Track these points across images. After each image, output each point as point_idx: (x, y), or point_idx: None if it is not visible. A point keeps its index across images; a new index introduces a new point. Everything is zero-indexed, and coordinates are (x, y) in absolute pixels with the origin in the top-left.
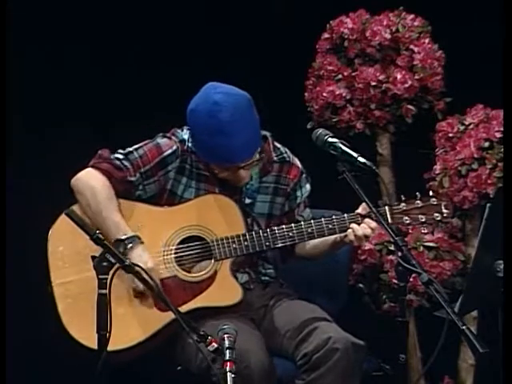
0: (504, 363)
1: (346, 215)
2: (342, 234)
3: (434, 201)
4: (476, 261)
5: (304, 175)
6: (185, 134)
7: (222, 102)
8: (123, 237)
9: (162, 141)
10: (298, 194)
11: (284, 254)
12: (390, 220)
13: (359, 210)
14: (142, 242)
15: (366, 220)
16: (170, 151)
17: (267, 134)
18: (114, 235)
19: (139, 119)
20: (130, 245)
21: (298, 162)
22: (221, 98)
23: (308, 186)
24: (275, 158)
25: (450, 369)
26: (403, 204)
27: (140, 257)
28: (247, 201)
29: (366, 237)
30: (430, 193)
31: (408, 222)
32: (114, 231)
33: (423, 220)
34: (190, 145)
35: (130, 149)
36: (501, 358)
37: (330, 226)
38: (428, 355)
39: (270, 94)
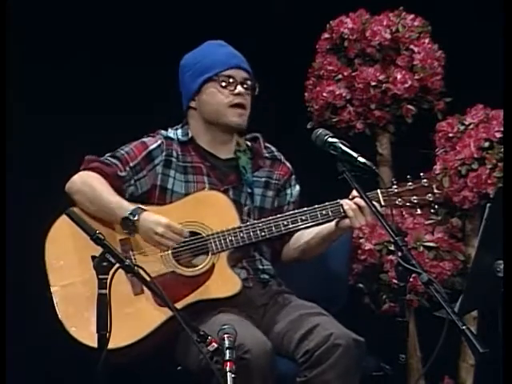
0: (504, 363)
1: (339, 200)
2: (337, 219)
3: (425, 182)
4: (476, 261)
5: (293, 176)
6: (169, 133)
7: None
8: (126, 214)
9: (146, 139)
10: (288, 191)
11: (272, 255)
12: (382, 202)
13: (354, 194)
14: (144, 210)
15: (357, 199)
16: (155, 145)
17: (258, 135)
18: (119, 215)
19: (137, 118)
20: (135, 217)
21: (287, 163)
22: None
23: (297, 187)
24: (266, 155)
25: (450, 369)
26: (395, 186)
27: (149, 222)
28: (249, 190)
29: (361, 208)
30: (421, 174)
31: (401, 203)
32: (118, 211)
33: (415, 201)
34: (180, 137)
35: (116, 150)
36: (501, 358)
37: (324, 212)
38: (428, 355)
39: (270, 94)
